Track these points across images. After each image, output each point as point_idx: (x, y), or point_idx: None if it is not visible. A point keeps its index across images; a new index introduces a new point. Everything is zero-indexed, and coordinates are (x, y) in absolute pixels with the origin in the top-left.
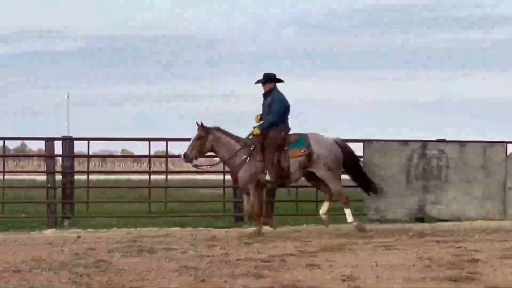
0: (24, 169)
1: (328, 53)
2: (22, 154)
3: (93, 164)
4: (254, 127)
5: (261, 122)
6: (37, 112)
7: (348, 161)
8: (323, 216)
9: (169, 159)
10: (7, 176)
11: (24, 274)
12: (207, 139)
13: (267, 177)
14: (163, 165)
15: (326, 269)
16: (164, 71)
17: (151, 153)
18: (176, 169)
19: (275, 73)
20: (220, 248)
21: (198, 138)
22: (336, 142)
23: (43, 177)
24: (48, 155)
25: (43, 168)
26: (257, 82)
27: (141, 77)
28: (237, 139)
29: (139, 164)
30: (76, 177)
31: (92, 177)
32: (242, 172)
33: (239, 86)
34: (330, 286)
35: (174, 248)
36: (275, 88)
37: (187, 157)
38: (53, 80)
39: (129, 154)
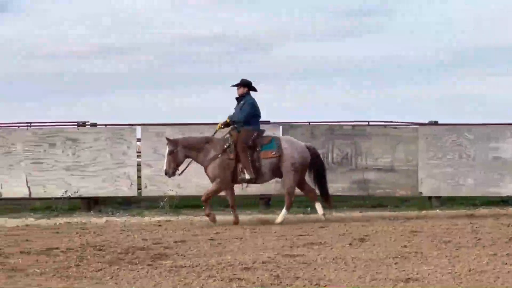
0: None
1: None
2: None
3: None
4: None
5: (230, 115)
6: None
7: (315, 166)
8: (323, 217)
9: None
10: None
11: None
12: (177, 150)
13: (247, 176)
14: None
15: None
16: None
17: None
18: None
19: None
20: None
21: (170, 153)
22: (307, 147)
23: None
24: None
25: None
26: (233, 85)
27: None
28: (206, 139)
29: None
30: None
31: None
32: (212, 167)
33: None
34: None
35: None
36: (248, 93)
37: (168, 173)
38: None
39: None
